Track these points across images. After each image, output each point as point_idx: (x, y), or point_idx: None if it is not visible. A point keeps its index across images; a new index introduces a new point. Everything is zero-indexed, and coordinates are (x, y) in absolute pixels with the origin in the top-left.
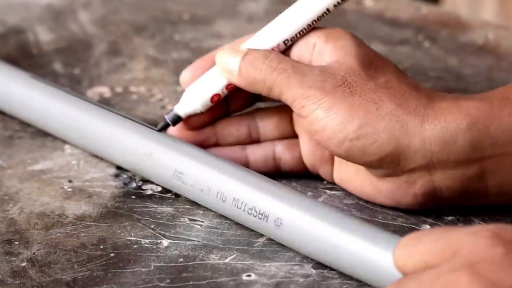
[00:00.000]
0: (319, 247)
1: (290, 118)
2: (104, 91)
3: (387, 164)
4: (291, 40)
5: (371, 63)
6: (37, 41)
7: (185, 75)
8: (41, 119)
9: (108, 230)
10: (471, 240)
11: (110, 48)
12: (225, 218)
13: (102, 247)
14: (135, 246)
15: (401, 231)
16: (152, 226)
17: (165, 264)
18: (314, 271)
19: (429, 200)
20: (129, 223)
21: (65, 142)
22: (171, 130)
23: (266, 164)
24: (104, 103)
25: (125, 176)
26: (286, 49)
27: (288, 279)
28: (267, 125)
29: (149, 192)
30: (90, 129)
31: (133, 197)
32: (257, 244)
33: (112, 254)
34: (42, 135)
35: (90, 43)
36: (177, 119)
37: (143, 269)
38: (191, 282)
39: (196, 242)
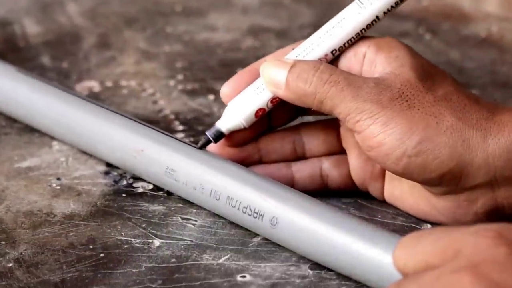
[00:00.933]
0: (316, 247)
1: (337, 132)
2: (94, 85)
3: (447, 181)
4: (339, 50)
5: (428, 74)
6: (24, 34)
7: (225, 89)
8: (28, 115)
9: (98, 229)
10: (473, 240)
11: (99, 41)
12: (219, 217)
13: (91, 247)
14: (125, 246)
15: (401, 231)
16: (143, 225)
17: (156, 265)
18: (311, 271)
19: (490, 219)
20: (120, 222)
21: (53, 138)
22: (212, 147)
23: (312, 181)
24: (93, 98)
25: (115, 173)
26: (333, 59)
27: (284, 280)
28: (313, 141)
29: (140, 190)
30: (79, 125)
31: (124, 195)
32: (252, 244)
33: (102, 254)
34: (29, 131)
35: (79, 35)
36: (219, 136)
37: (134, 270)
38: (183, 284)
39: (189, 242)
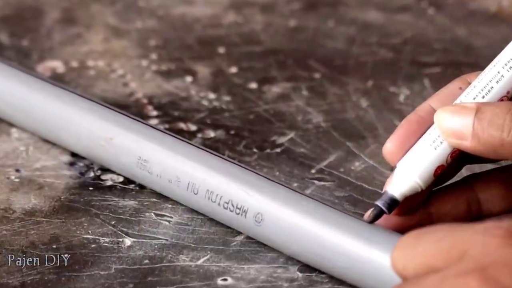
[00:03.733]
0: (306, 247)
1: None
2: (57, 65)
3: None
4: None
5: None
6: None
7: (390, 146)
8: None
9: (62, 227)
10: (481, 239)
11: (63, 16)
12: (197, 213)
13: (54, 246)
14: (93, 246)
15: None
16: (113, 223)
17: (127, 267)
18: (300, 274)
19: None
20: (86, 218)
21: (11, 125)
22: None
23: None
24: (57, 79)
25: (81, 164)
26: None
27: (270, 283)
28: (491, 197)
29: (109, 182)
30: (41, 110)
31: (91, 188)
32: (234, 243)
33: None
34: None
35: (41, 10)
36: (393, 204)
37: (102, 272)
38: (157, 287)
39: (163, 241)
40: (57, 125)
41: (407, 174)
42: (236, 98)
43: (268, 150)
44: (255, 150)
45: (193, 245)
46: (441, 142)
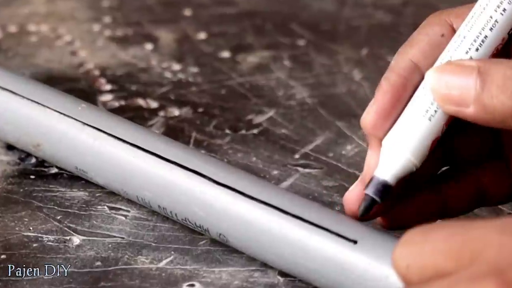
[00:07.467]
0: (284, 252)
1: None
2: None
3: None
4: None
5: None
6: None
7: (371, 118)
8: None
9: None
10: (498, 238)
11: None
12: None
13: None
14: (35, 245)
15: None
16: (59, 217)
17: (76, 270)
18: (281, 279)
19: None
20: (27, 213)
21: None
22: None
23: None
24: None
25: None
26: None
27: None
28: (501, 183)
29: (54, 170)
30: None
31: (32, 177)
32: (203, 242)
33: (3, 256)
34: None
35: None
36: (385, 190)
37: (46, 277)
38: None
39: (119, 239)
40: None
41: (396, 152)
42: (205, 69)
43: (243, 131)
44: (227, 131)
45: (154, 244)
46: (435, 111)
